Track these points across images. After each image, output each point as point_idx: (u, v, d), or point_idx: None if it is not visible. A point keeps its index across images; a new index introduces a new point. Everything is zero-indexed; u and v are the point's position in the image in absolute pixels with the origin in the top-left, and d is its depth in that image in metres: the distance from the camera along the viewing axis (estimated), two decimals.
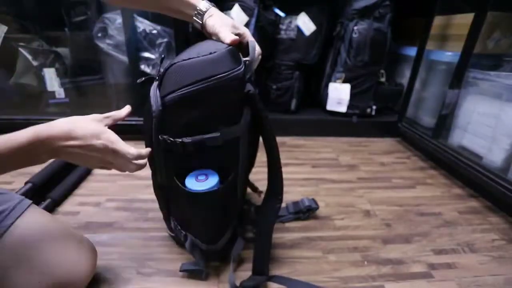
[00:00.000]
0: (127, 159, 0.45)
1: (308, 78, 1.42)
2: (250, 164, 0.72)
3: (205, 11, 0.53)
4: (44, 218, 0.49)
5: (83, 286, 0.49)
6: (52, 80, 1.18)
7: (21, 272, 0.43)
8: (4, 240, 0.42)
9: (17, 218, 0.45)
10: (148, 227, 0.70)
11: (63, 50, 1.22)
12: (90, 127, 0.43)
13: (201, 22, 0.54)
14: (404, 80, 1.35)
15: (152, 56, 1.16)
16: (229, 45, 0.48)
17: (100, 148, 0.43)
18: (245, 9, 1.18)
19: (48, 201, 0.74)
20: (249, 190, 0.77)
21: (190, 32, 1.14)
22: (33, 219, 0.47)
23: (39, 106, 1.21)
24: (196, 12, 0.53)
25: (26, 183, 0.77)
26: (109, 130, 0.46)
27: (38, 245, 0.45)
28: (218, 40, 0.51)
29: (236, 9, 1.18)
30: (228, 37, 0.49)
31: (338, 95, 1.32)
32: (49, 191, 0.77)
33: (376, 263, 0.63)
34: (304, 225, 0.74)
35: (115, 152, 0.44)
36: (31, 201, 0.49)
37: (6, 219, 0.44)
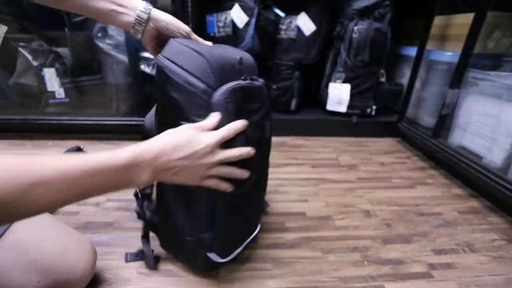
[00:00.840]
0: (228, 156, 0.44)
1: (308, 78, 1.42)
2: None
3: (148, 11, 0.49)
4: (44, 217, 0.49)
5: (82, 286, 0.49)
6: (52, 80, 1.18)
7: (20, 272, 0.43)
8: (4, 241, 0.42)
9: None
10: None
11: (63, 50, 1.22)
12: (190, 133, 0.42)
13: (145, 19, 0.49)
14: (404, 80, 1.35)
15: (152, 56, 1.16)
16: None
17: (206, 152, 0.41)
18: (245, 9, 1.18)
19: None
20: None
21: None
22: (32, 219, 0.47)
23: (39, 106, 1.21)
24: (140, 10, 0.49)
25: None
26: (209, 132, 0.43)
27: (38, 246, 0.45)
28: (179, 35, 0.52)
29: (236, 9, 1.18)
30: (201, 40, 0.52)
31: (338, 95, 1.32)
32: None
33: (376, 263, 0.63)
34: (304, 225, 0.74)
35: (217, 149, 0.43)
36: None
37: None
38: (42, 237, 0.46)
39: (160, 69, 0.48)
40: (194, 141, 0.41)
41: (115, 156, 0.36)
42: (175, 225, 0.54)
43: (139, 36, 0.51)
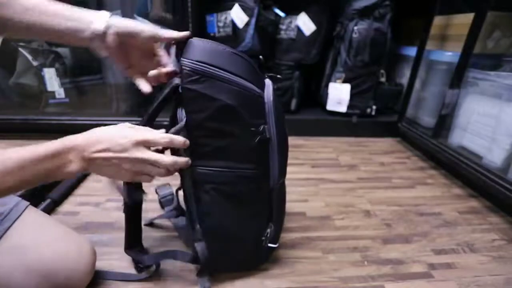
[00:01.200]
0: (157, 158, 0.42)
1: (308, 78, 1.42)
2: None
3: (104, 23, 0.46)
4: (42, 219, 0.49)
5: (82, 287, 0.49)
6: (52, 80, 1.18)
7: (19, 276, 0.42)
8: (2, 243, 0.42)
9: (14, 220, 0.44)
10: (148, 227, 0.70)
11: (63, 50, 1.22)
12: (118, 128, 0.41)
13: (101, 31, 0.45)
14: (404, 80, 1.35)
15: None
16: (180, 39, 0.46)
17: (130, 148, 0.40)
18: (245, 9, 1.18)
19: (48, 201, 0.74)
20: None
21: (190, 32, 1.14)
22: (31, 221, 0.47)
23: (39, 106, 1.21)
24: (94, 24, 0.45)
25: None
26: (142, 128, 0.43)
27: (36, 249, 0.44)
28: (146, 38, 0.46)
29: (236, 9, 1.18)
30: (172, 32, 0.46)
31: (338, 95, 1.32)
32: (49, 191, 0.77)
33: (376, 263, 0.63)
34: (304, 225, 0.74)
35: (146, 143, 0.41)
36: (28, 203, 0.48)
37: (3, 222, 0.43)
38: (41, 241, 0.46)
39: (197, 76, 0.44)
40: (119, 135, 0.40)
41: (42, 146, 0.37)
42: (235, 236, 0.54)
43: (102, 52, 0.47)
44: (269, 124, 0.50)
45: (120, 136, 0.40)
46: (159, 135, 0.43)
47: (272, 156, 0.51)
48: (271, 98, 0.50)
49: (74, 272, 0.47)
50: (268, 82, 0.53)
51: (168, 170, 0.44)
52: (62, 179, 0.40)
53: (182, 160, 0.45)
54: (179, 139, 0.44)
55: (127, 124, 0.43)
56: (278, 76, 0.60)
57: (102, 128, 0.41)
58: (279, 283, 0.57)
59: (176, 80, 0.47)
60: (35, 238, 0.45)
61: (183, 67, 0.44)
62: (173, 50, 0.48)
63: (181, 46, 0.46)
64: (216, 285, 0.56)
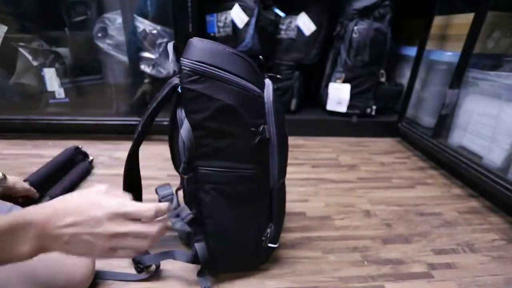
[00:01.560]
0: (144, 221, 0.35)
1: (308, 78, 1.42)
2: None
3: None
4: None
5: None
6: (52, 80, 1.18)
7: (16, 285, 0.41)
8: None
9: None
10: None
11: (63, 50, 1.22)
12: (92, 196, 0.35)
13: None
14: (404, 80, 1.35)
15: (152, 56, 1.16)
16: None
17: (104, 219, 0.33)
18: (245, 9, 1.18)
19: (46, 198, 0.73)
20: None
21: (190, 32, 1.14)
22: None
23: (39, 106, 1.21)
24: None
25: (23, 181, 0.76)
26: (120, 193, 0.36)
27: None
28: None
29: (236, 9, 1.18)
30: None
31: (338, 95, 1.32)
32: (47, 190, 0.77)
33: (376, 263, 0.63)
34: (304, 225, 0.74)
35: (126, 216, 0.34)
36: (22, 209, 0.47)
37: None
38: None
39: (196, 76, 0.44)
40: (92, 206, 0.33)
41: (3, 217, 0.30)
42: (235, 236, 0.54)
43: None
44: (269, 124, 0.50)
45: (93, 206, 0.33)
46: (143, 207, 0.35)
47: (272, 156, 0.51)
48: (271, 98, 0.50)
49: (74, 276, 0.46)
50: (268, 82, 0.53)
51: (154, 239, 0.36)
52: (11, 262, 0.31)
53: (164, 208, 0.37)
54: (165, 207, 0.37)
55: (103, 188, 0.36)
56: (278, 76, 0.59)
57: (73, 195, 0.35)
58: (279, 283, 0.57)
59: (176, 80, 0.46)
60: None
61: (183, 67, 0.44)
62: (171, 49, 0.47)
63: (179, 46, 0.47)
64: (216, 285, 0.56)
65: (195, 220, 0.52)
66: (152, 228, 0.35)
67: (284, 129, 0.54)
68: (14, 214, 0.31)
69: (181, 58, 0.45)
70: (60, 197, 0.35)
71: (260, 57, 0.53)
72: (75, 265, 0.47)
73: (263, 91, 0.50)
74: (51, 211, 0.32)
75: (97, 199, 0.34)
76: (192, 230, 0.53)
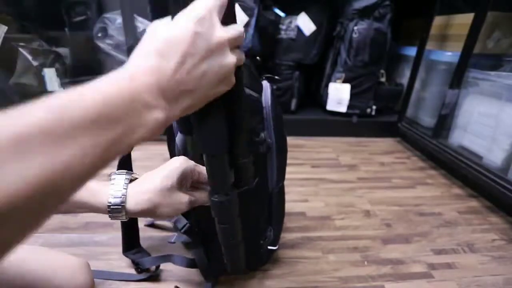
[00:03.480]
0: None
1: (308, 78, 1.42)
2: None
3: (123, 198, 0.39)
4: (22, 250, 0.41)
5: None
6: (52, 80, 1.18)
7: None
8: None
9: None
10: (149, 228, 0.70)
11: (63, 50, 1.22)
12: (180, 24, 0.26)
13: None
14: (404, 80, 1.35)
15: None
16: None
17: (207, 26, 0.25)
18: (245, 9, 1.18)
19: None
20: None
21: None
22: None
23: None
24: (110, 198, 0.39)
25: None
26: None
27: (25, 270, 0.39)
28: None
29: (236, 9, 1.18)
30: None
31: (338, 95, 1.32)
32: None
33: (376, 263, 0.63)
34: (304, 225, 0.74)
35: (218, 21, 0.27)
36: None
37: None
38: (29, 267, 0.40)
39: None
40: (184, 26, 0.25)
41: (106, 82, 0.22)
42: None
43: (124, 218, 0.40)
44: (268, 129, 0.49)
45: (182, 24, 0.25)
46: (236, 27, 0.28)
47: (271, 160, 0.51)
48: (269, 102, 0.49)
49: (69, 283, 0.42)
50: (265, 84, 0.51)
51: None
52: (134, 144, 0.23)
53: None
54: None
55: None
56: (277, 77, 0.57)
57: (148, 33, 0.27)
58: (279, 283, 0.57)
59: None
60: (22, 263, 0.39)
61: None
62: None
63: None
64: (216, 285, 0.56)
65: (192, 229, 0.52)
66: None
67: (283, 132, 0.53)
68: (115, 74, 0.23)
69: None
70: (139, 45, 0.26)
71: (258, 58, 0.52)
72: (70, 273, 0.43)
73: (261, 95, 0.48)
74: (148, 60, 0.24)
75: (176, 19, 0.26)
76: (189, 238, 0.53)
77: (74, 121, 0.19)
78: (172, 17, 0.27)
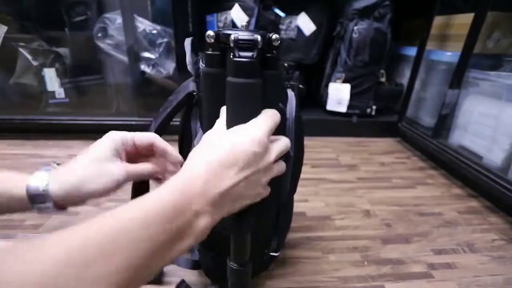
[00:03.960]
0: (286, 144, 0.33)
1: (308, 78, 1.42)
2: None
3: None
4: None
5: None
6: (52, 80, 1.18)
7: None
8: None
9: None
10: None
11: (63, 50, 1.22)
12: (218, 133, 0.31)
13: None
14: (404, 80, 1.35)
15: (152, 56, 1.16)
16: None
17: (258, 148, 0.29)
18: (245, 9, 1.18)
19: None
20: None
21: (190, 32, 1.14)
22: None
23: (39, 106, 1.21)
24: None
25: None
26: (249, 128, 0.30)
27: None
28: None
29: (236, 9, 1.18)
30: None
31: (338, 95, 1.32)
32: None
33: (376, 263, 0.63)
34: (304, 225, 0.74)
35: (270, 143, 0.31)
36: None
37: None
38: None
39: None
40: (235, 142, 0.29)
41: (164, 192, 0.26)
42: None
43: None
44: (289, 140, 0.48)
45: (237, 142, 0.29)
46: (284, 142, 0.32)
47: (286, 171, 0.50)
48: (294, 114, 0.46)
49: None
50: (291, 94, 0.48)
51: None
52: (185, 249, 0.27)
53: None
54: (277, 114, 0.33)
55: (220, 123, 0.32)
56: (301, 86, 0.54)
57: (203, 142, 0.31)
58: (279, 283, 0.57)
59: (191, 85, 0.42)
60: None
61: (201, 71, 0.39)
62: (188, 47, 0.42)
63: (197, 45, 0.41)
64: (216, 284, 0.56)
65: None
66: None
67: (302, 145, 0.51)
68: (163, 191, 0.26)
69: (201, 63, 0.38)
70: (194, 152, 0.30)
71: (286, 64, 0.50)
72: None
73: (286, 106, 0.46)
74: (201, 171, 0.27)
75: (232, 133, 0.30)
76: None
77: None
78: (228, 127, 0.31)
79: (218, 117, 0.34)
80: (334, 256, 0.65)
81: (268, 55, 0.35)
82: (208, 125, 0.35)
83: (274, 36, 0.34)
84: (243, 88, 0.31)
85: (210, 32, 0.32)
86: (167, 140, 0.40)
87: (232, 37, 0.30)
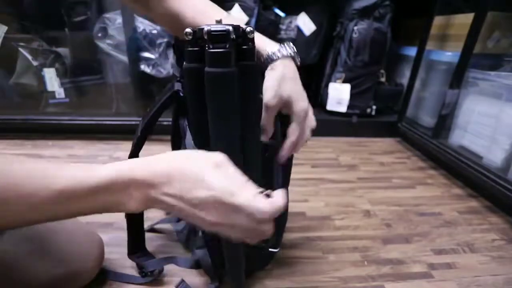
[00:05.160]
0: (255, 219, 0.30)
1: (308, 78, 1.42)
2: None
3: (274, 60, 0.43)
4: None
5: (91, 277, 0.50)
6: (52, 80, 1.18)
7: (34, 260, 0.43)
8: (20, 230, 0.43)
9: None
10: (150, 232, 0.70)
11: (63, 50, 1.22)
12: (199, 167, 0.30)
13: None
14: (404, 80, 1.35)
15: (152, 56, 1.16)
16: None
17: (206, 202, 0.29)
18: (245, 9, 1.18)
19: None
20: None
21: None
22: None
23: (39, 106, 1.21)
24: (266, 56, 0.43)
25: None
26: (233, 174, 0.31)
27: (52, 236, 0.46)
28: None
29: (236, 9, 1.18)
30: (269, 100, 0.42)
31: (338, 95, 1.32)
32: None
33: (376, 263, 0.63)
34: (304, 225, 0.74)
35: (234, 210, 0.29)
36: None
37: None
38: (56, 228, 0.47)
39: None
40: (197, 182, 0.29)
41: (93, 174, 0.29)
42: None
43: None
44: (276, 132, 0.48)
45: (198, 182, 0.29)
46: (256, 207, 0.29)
47: (277, 166, 0.51)
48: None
49: (86, 261, 0.48)
50: None
51: (265, 237, 0.32)
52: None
53: (280, 207, 0.31)
54: (281, 204, 0.31)
55: (215, 159, 0.31)
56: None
57: (180, 155, 0.32)
58: (279, 283, 0.57)
59: (176, 85, 0.44)
60: (51, 227, 0.46)
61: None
62: (171, 51, 0.46)
63: (180, 47, 0.43)
64: (215, 284, 0.56)
65: (195, 230, 0.52)
66: (264, 227, 0.31)
67: None
68: (107, 168, 0.30)
69: (184, 63, 0.40)
70: (167, 154, 0.32)
71: None
72: (87, 252, 0.49)
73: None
74: (153, 173, 0.30)
75: (205, 174, 0.29)
76: (193, 238, 0.53)
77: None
78: (210, 124, 0.36)
79: (202, 113, 0.36)
80: (334, 256, 0.65)
81: (245, 47, 0.36)
82: (193, 121, 0.38)
83: (248, 28, 0.35)
84: (219, 76, 0.33)
85: (188, 30, 0.34)
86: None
87: (205, 29, 0.32)
